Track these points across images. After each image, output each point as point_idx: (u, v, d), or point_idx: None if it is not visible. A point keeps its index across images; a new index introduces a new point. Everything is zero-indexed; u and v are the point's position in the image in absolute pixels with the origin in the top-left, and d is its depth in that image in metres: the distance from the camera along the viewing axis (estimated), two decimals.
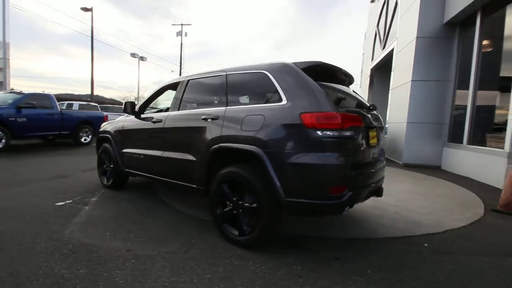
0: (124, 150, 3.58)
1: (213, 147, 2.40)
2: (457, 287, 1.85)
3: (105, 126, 4.15)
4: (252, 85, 2.44)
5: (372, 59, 12.44)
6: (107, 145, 3.91)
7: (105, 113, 10.07)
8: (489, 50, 6.11)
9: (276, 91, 2.18)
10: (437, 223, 2.98)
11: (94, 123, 9.11)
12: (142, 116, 3.48)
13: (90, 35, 18.46)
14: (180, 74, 27.22)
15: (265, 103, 2.26)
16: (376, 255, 2.23)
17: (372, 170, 2.32)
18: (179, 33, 27.75)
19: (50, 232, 2.41)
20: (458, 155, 6.38)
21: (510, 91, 4.94)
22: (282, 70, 2.23)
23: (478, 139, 6.03)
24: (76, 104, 12.40)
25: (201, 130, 2.56)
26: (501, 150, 4.99)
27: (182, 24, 27.50)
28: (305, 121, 1.94)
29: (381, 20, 11.41)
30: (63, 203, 3.24)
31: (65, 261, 1.95)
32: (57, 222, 2.64)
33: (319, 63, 2.27)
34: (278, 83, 2.19)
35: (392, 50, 9.10)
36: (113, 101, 27.43)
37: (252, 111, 2.23)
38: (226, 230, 2.35)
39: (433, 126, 7.16)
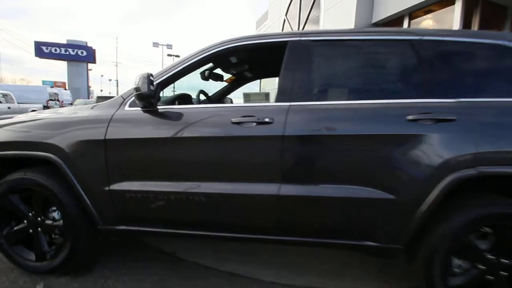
0: (125, 187, 1.59)
1: (455, 174, 1.29)
2: None
3: (20, 134, 1.74)
4: (478, 61, 1.51)
5: None
6: (35, 177, 1.66)
7: None
8: None
9: None
10: None
11: None
12: (166, 109, 1.64)
13: None
14: None
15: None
16: None
17: None
18: None
19: None
20: None
21: None
22: None
23: None
24: None
25: (406, 141, 1.35)
26: None
27: None
28: None
29: (290, 10, 11.92)
30: None
31: None
32: None
33: None
34: None
35: None
36: None
37: None
38: None
39: None
